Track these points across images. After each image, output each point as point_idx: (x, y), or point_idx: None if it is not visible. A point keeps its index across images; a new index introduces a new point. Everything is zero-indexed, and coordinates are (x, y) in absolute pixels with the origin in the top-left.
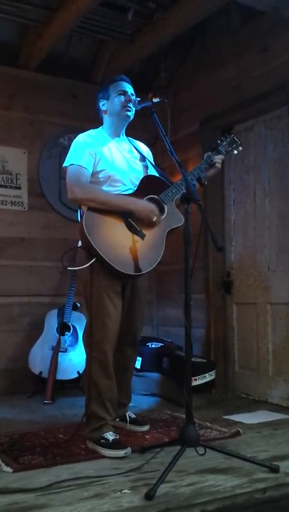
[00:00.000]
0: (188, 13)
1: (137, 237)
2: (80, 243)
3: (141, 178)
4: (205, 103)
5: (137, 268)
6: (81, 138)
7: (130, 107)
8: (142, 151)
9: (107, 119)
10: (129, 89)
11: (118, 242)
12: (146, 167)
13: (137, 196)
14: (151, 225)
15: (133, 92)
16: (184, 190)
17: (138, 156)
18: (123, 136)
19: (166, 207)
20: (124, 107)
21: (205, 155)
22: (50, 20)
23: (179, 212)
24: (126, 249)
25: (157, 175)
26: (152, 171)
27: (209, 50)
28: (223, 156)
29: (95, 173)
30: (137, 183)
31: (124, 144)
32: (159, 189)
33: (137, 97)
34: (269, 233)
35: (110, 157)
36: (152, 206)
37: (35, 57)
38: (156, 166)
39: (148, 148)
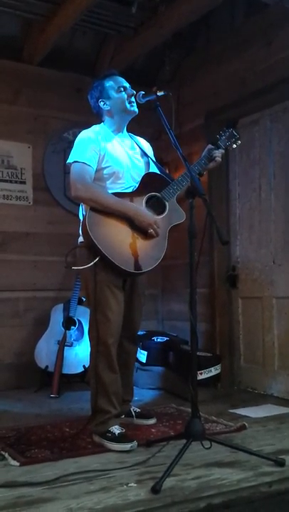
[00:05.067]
0: (192, 6)
1: (139, 235)
2: (79, 239)
3: (142, 174)
4: (209, 97)
5: (140, 266)
6: (85, 134)
7: (134, 102)
8: (143, 147)
9: (110, 118)
10: (126, 82)
11: (121, 240)
12: (147, 163)
13: (138, 193)
14: (146, 234)
15: (128, 84)
16: (186, 186)
17: (140, 152)
18: (125, 132)
19: (167, 204)
20: (130, 103)
21: (205, 149)
22: (54, 14)
23: (181, 209)
24: (129, 248)
25: (158, 172)
26: (153, 168)
27: (213, 44)
28: (223, 150)
29: (99, 170)
30: (139, 179)
31: (127, 140)
32: (160, 186)
33: (141, 90)
34: (274, 227)
35: (114, 153)
36: (152, 219)
37: (39, 52)
38: (157, 161)
39: (149, 144)
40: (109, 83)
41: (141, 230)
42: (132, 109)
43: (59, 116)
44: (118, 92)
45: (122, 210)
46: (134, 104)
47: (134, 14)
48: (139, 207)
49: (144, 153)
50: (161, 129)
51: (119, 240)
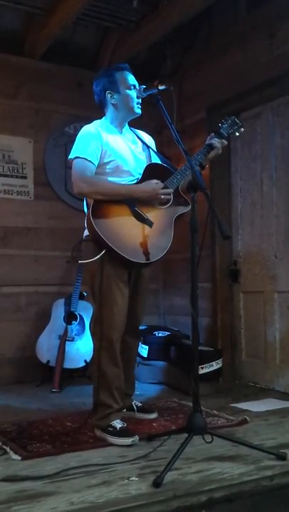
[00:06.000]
0: None
1: (145, 226)
2: (85, 233)
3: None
4: (211, 90)
5: (148, 256)
6: (87, 129)
7: (140, 103)
8: (145, 140)
9: (113, 111)
10: (136, 81)
11: (127, 231)
12: (149, 156)
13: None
14: (161, 202)
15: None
16: (190, 175)
17: (141, 145)
18: (126, 127)
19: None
20: (137, 103)
21: (207, 138)
22: (56, 7)
23: (185, 198)
24: (135, 239)
25: (160, 162)
26: (156, 159)
27: (215, 37)
28: (225, 141)
29: (102, 165)
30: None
31: (128, 135)
32: (164, 176)
33: (142, 84)
34: (276, 221)
35: (117, 148)
36: (153, 184)
37: (40, 46)
38: (160, 153)
39: (150, 137)
40: (121, 76)
41: (145, 220)
42: (138, 110)
43: (60, 111)
44: (129, 88)
45: (127, 193)
46: (140, 107)
47: (135, 8)
48: (140, 184)
49: (146, 146)
50: (163, 123)
51: (124, 232)
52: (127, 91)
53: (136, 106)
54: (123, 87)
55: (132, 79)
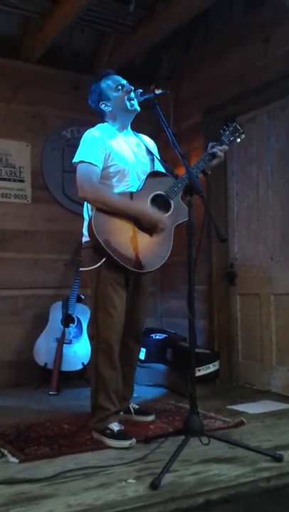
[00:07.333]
0: (190, 3)
1: (145, 234)
2: (84, 239)
3: (148, 172)
4: (208, 94)
5: (146, 265)
6: (91, 133)
7: (133, 98)
8: (148, 145)
9: (112, 117)
10: (123, 80)
11: (127, 240)
12: (152, 161)
13: (143, 192)
14: (153, 232)
15: (126, 81)
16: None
17: (145, 149)
18: (130, 130)
19: (172, 202)
20: (129, 100)
21: (209, 145)
22: (52, 12)
23: (186, 207)
24: (135, 247)
25: (163, 170)
26: (158, 166)
27: (211, 41)
28: (226, 146)
29: (105, 168)
30: (144, 176)
31: (132, 138)
32: (165, 184)
33: (139, 88)
34: (272, 224)
35: (120, 151)
36: (161, 217)
37: (37, 50)
38: (162, 159)
39: (153, 142)
40: (106, 84)
41: (147, 229)
42: (133, 107)
43: (57, 114)
44: (116, 90)
45: (128, 211)
46: (135, 101)
47: (132, 12)
48: (145, 207)
49: (149, 151)
50: (159, 126)
51: (125, 240)
52: (115, 94)
53: (128, 103)
54: (111, 92)
55: (116, 80)
